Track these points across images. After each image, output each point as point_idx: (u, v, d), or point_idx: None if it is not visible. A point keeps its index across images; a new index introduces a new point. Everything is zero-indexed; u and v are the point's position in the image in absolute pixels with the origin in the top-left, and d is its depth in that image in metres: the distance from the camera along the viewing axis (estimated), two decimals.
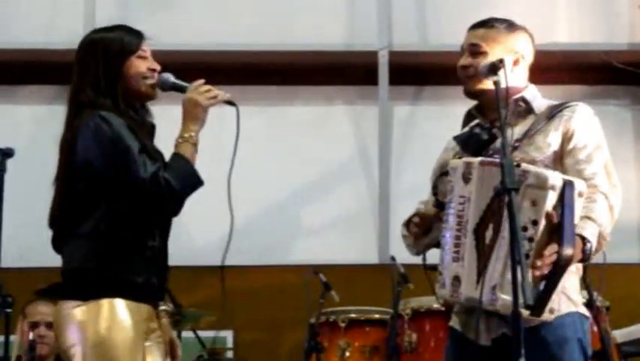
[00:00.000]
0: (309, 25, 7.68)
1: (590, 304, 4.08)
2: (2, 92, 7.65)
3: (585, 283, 3.64)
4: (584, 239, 3.16)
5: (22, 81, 7.62)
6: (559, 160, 3.39)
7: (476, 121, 3.52)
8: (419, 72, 7.65)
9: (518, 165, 3.16)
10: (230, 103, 3.54)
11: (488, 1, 7.07)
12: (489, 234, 3.19)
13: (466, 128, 3.55)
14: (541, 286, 3.06)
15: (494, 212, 3.17)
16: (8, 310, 5.04)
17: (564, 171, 3.33)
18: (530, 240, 3.06)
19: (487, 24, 3.53)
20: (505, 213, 3.03)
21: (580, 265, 3.36)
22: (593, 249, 3.20)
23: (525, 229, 3.05)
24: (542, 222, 3.07)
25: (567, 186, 3.09)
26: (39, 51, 7.39)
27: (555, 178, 3.11)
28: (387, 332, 5.53)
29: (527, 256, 3.02)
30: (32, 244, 6.91)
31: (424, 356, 5.37)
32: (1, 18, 7.59)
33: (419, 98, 7.79)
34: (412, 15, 7.74)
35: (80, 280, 3.33)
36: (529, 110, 3.47)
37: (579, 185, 3.15)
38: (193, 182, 3.39)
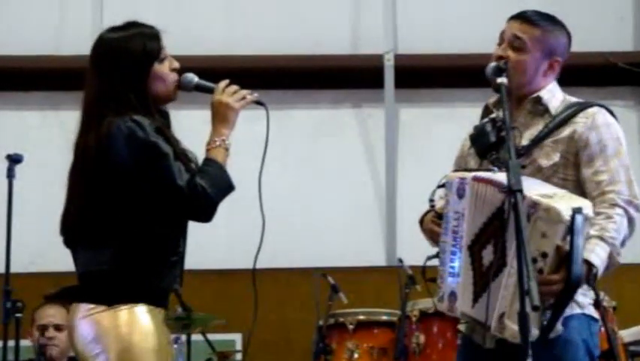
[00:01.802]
0: (316, 30, 7.72)
1: (597, 304, 4.07)
2: (11, 98, 7.68)
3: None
4: (590, 264, 3.11)
5: (31, 88, 7.66)
6: (571, 166, 3.33)
7: (493, 115, 3.42)
8: (424, 75, 7.69)
9: (524, 167, 3.13)
10: (258, 103, 3.45)
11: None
12: (487, 254, 3.14)
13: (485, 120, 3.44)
14: (548, 313, 3.03)
15: (494, 233, 3.10)
16: (18, 315, 5.09)
17: (580, 180, 3.30)
18: (540, 272, 2.99)
19: (532, 20, 3.42)
20: (508, 237, 2.99)
21: None
22: (600, 273, 3.15)
23: (535, 260, 2.97)
24: (552, 255, 3.00)
25: (576, 215, 2.98)
26: (47, 58, 7.43)
27: (565, 210, 2.99)
28: (395, 333, 5.53)
29: None
30: (42, 250, 6.96)
31: (432, 357, 5.37)
32: (9, 25, 7.62)
33: (424, 100, 7.81)
34: (417, 18, 7.76)
35: (103, 284, 3.22)
36: (545, 109, 3.40)
37: (586, 208, 3.04)
38: (226, 188, 3.29)
